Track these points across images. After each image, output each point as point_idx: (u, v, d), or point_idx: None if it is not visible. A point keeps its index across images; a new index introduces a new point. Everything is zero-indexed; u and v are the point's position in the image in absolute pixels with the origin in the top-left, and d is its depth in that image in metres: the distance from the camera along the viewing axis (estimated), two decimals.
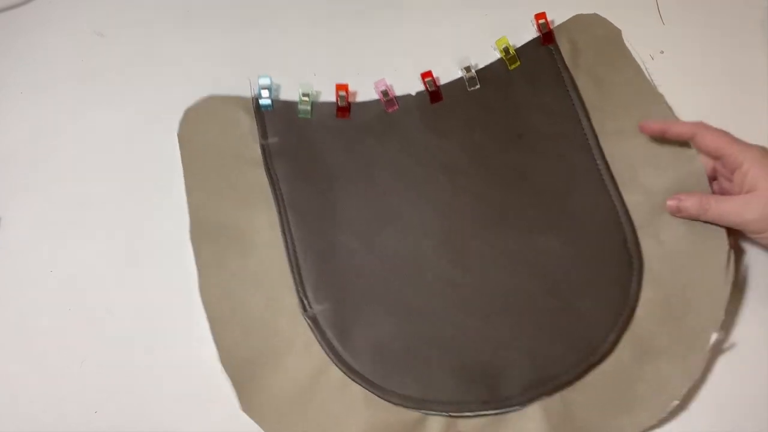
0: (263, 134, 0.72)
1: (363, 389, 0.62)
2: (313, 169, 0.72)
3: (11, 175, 0.72)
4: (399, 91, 0.73)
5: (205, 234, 0.69)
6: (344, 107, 0.73)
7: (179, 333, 0.66)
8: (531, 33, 0.76)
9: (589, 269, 0.66)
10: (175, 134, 0.73)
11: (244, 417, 0.62)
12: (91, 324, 0.67)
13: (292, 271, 0.67)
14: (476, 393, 0.62)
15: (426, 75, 0.72)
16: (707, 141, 0.65)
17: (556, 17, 0.76)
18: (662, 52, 0.75)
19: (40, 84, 0.76)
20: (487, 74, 0.74)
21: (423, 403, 0.62)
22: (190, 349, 0.65)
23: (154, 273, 0.68)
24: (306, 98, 0.72)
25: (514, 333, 0.64)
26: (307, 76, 0.75)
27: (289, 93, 0.74)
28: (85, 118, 0.75)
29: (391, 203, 0.70)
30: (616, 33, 0.75)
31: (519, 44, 0.75)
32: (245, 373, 0.63)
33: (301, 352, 0.64)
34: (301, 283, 0.66)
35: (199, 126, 0.73)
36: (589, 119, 0.71)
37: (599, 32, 0.76)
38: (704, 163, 0.68)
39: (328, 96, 0.74)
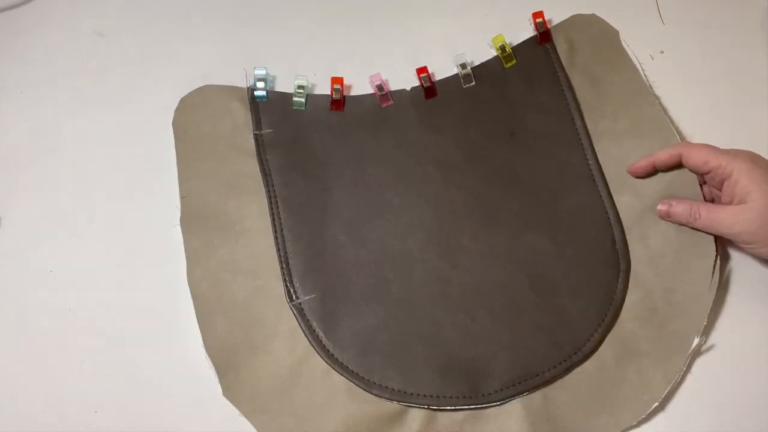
0: (257, 125, 0.73)
1: (345, 380, 0.63)
2: (305, 160, 0.72)
3: (11, 174, 0.73)
4: (394, 86, 0.74)
5: (195, 222, 0.70)
6: (339, 100, 0.73)
7: (179, 331, 0.67)
8: (528, 32, 0.76)
9: (577, 269, 0.67)
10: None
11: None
12: (91, 323, 0.67)
13: (280, 261, 0.68)
14: (457, 387, 0.63)
15: (421, 71, 0.73)
16: (694, 157, 0.65)
17: (554, 17, 0.76)
18: (662, 52, 0.76)
19: (40, 83, 0.77)
20: (482, 71, 0.75)
21: (404, 396, 0.62)
22: (189, 347, 0.66)
23: (154, 272, 0.69)
24: (301, 90, 0.73)
25: (499, 329, 0.65)
26: (304, 71, 0.75)
27: (285, 85, 0.75)
28: (85, 116, 0.75)
29: (382, 197, 0.70)
30: (613, 33, 0.75)
31: (516, 42, 0.76)
32: (229, 359, 0.64)
33: (285, 341, 0.65)
34: (289, 272, 0.67)
35: (193, 115, 0.74)
36: (583, 119, 0.72)
37: (597, 32, 0.76)
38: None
39: (323, 89, 0.74)
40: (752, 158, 0.63)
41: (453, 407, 0.62)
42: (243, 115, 0.73)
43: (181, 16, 0.80)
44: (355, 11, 0.81)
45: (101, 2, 0.80)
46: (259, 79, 0.73)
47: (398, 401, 0.62)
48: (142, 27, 0.79)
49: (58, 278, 0.68)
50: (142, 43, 0.78)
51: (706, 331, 0.64)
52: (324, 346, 0.64)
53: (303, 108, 0.74)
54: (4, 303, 0.68)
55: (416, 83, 0.74)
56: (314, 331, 0.65)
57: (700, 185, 0.67)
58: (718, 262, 0.65)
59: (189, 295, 0.67)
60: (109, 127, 0.75)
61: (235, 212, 0.70)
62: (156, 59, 0.78)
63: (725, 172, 0.63)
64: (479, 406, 0.62)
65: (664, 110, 0.72)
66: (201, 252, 0.68)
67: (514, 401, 0.62)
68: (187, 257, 0.68)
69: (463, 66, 0.74)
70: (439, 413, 0.62)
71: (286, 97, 0.74)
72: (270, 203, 0.70)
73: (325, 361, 0.64)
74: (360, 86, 0.75)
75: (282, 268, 0.67)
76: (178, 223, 0.69)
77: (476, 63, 0.75)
